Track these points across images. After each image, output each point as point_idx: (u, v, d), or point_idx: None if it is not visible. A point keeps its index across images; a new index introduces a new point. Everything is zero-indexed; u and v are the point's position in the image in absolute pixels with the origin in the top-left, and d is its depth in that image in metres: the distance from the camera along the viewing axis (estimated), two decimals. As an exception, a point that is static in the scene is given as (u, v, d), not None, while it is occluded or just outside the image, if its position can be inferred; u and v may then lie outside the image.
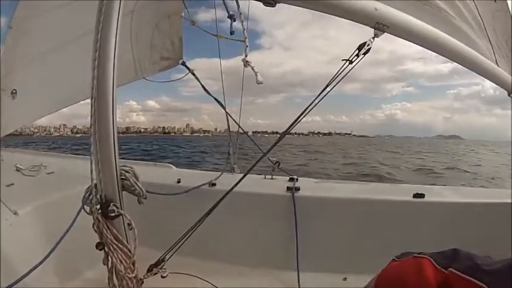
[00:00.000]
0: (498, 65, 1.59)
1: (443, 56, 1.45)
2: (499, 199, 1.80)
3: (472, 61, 1.46)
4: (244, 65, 2.05)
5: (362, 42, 1.27)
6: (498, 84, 1.58)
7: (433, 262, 0.56)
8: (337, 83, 1.30)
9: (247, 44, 1.99)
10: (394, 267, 0.65)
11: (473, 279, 0.48)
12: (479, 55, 1.49)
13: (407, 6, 1.28)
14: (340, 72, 1.27)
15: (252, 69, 2.09)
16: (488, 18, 1.57)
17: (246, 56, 2.00)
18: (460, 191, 2.11)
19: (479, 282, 0.47)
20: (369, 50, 1.27)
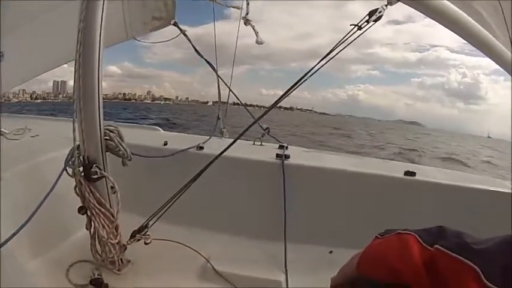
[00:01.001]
0: None
1: (455, 33, 1.42)
2: (492, 187, 1.80)
3: (484, 42, 1.43)
4: (245, 23, 2.00)
5: (373, 8, 1.23)
6: (502, 67, 1.54)
7: (419, 239, 0.53)
8: (343, 48, 1.25)
9: (248, 2, 1.92)
10: (378, 244, 0.61)
11: (461, 258, 0.45)
12: (492, 38, 1.45)
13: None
14: (347, 37, 1.22)
15: (253, 28, 2.05)
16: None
17: (247, 13, 1.94)
18: (451, 175, 2.10)
19: (468, 262, 0.44)
20: (380, 17, 1.22)
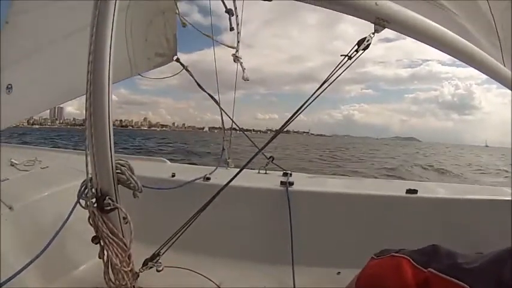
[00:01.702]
0: (504, 63, 1.59)
1: (445, 52, 1.46)
2: (493, 196, 1.82)
3: (474, 58, 1.46)
4: (234, 61, 2.08)
5: (361, 38, 1.26)
6: (499, 81, 1.59)
7: (412, 261, 0.56)
8: (335, 79, 1.30)
9: (239, 40, 2.00)
10: (373, 266, 0.64)
11: (453, 279, 0.47)
12: (482, 52, 1.49)
13: (409, 3, 1.29)
14: (338, 68, 1.27)
15: (241, 65, 2.12)
16: (497, 16, 1.58)
17: (237, 51, 2.01)
18: (453, 188, 2.13)
19: (460, 282, 0.46)
20: (368, 45, 1.26)
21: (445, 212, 1.80)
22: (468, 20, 1.51)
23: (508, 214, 1.60)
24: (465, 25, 1.51)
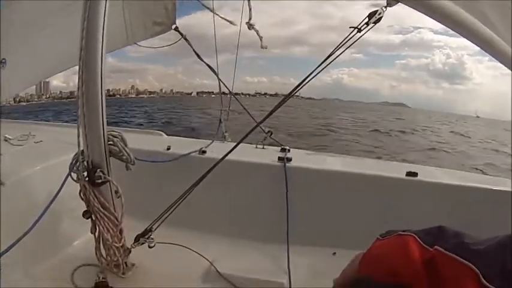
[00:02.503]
0: None
1: (458, 33, 1.41)
2: (494, 186, 1.80)
3: (487, 41, 1.42)
4: (248, 28, 2.02)
5: (373, 10, 1.22)
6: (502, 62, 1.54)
7: (418, 239, 0.54)
8: (343, 52, 1.25)
9: (250, 7, 1.94)
10: (379, 246, 0.63)
11: (460, 259, 0.46)
12: (497, 37, 1.45)
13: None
14: (347, 39, 1.22)
15: (257, 33, 2.06)
16: None
17: (250, 18, 1.96)
18: (453, 174, 2.10)
19: (467, 262, 0.45)
20: (380, 19, 1.22)
21: (445, 198, 1.77)
22: (490, 6, 1.46)
23: (508, 205, 1.58)
24: (485, 11, 1.45)
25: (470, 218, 1.59)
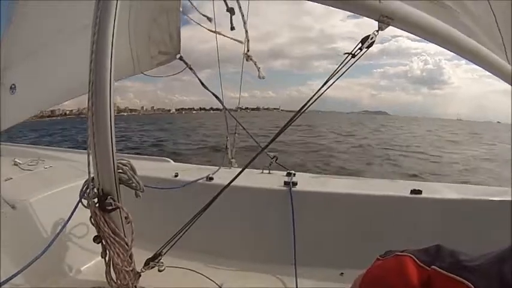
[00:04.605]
0: (508, 60, 1.57)
1: (448, 49, 1.44)
2: (497, 197, 1.80)
3: (477, 54, 1.45)
4: (246, 59, 2.07)
5: (365, 35, 1.26)
6: (500, 78, 1.57)
7: (416, 260, 0.56)
8: (338, 78, 1.29)
9: (248, 39, 1.99)
10: (377, 267, 0.64)
11: (455, 276, 0.47)
12: (484, 48, 1.48)
13: (411, 3, 1.28)
14: (342, 66, 1.26)
15: (255, 64, 2.11)
16: (499, 13, 1.56)
17: (248, 50, 2.01)
18: (457, 189, 2.11)
19: (462, 279, 0.46)
20: (372, 43, 1.25)
21: (450, 213, 1.78)
22: (472, 19, 1.50)
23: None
24: (468, 24, 1.49)
25: (477, 230, 1.60)
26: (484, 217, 1.74)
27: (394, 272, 0.57)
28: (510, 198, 1.75)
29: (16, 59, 1.90)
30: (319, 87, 1.31)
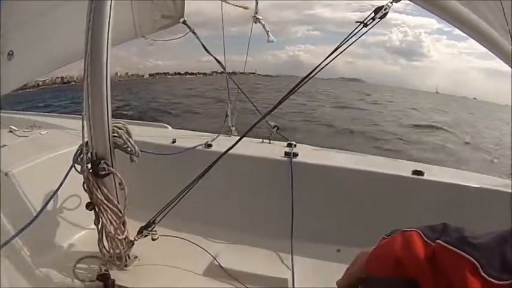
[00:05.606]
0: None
1: (457, 27, 1.40)
2: (500, 188, 1.79)
3: (485, 36, 1.41)
4: (254, 22, 2.02)
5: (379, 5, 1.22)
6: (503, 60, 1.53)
7: (422, 235, 0.55)
8: (348, 46, 1.25)
9: (257, 1, 1.94)
10: (384, 244, 0.63)
11: (460, 251, 0.47)
12: (493, 31, 1.44)
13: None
14: (353, 34, 1.22)
15: (263, 27, 2.06)
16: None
17: (256, 12, 1.96)
18: (459, 174, 2.09)
19: (467, 255, 0.46)
20: (385, 14, 1.22)
21: (450, 197, 1.76)
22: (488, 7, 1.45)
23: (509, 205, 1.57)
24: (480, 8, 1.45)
25: (475, 217, 1.58)
26: (484, 206, 1.73)
27: (400, 245, 0.57)
28: (510, 190, 1.74)
29: (14, 26, 1.86)
30: (332, 58, 1.26)
